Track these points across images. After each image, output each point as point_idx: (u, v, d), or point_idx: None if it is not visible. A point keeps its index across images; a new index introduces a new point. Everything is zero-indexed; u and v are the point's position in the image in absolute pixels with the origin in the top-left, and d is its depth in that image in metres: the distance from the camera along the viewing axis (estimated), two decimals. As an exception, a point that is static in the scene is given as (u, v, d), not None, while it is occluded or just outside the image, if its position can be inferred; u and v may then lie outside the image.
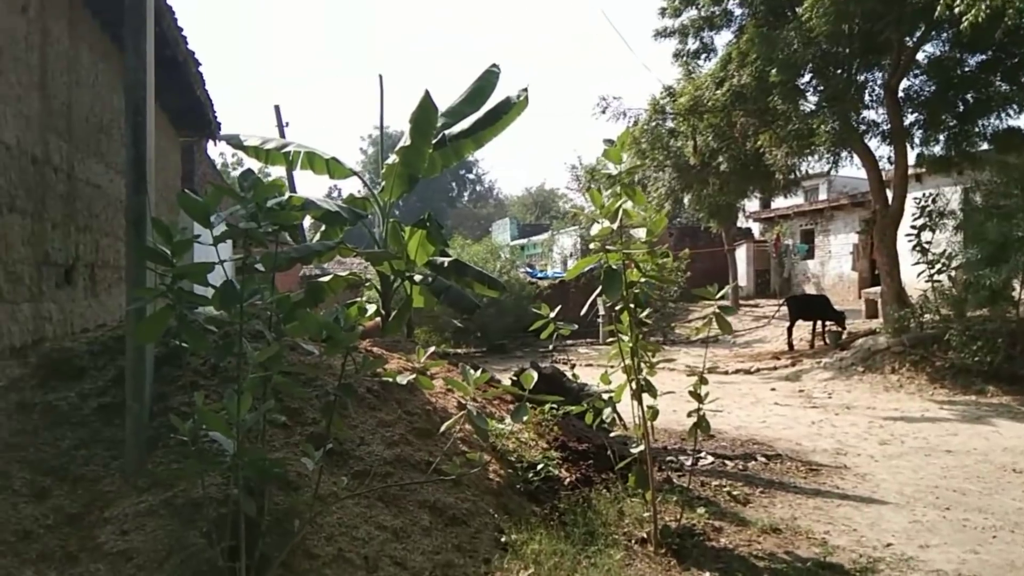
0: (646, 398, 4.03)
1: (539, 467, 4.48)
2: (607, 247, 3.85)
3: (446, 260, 7.63)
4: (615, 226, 3.83)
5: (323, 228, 8.32)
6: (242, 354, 2.86)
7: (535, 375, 3.48)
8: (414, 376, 3.44)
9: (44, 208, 5.91)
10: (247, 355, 2.88)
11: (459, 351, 17.00)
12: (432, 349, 3.68)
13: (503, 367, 13.98)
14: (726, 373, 13.81)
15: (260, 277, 2.98)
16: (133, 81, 3.36)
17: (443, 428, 3.56)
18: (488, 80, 8.17)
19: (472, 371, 3.42)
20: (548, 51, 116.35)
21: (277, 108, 20.50)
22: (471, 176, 71.70)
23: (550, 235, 35.01)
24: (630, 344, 3.87)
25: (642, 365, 4.08)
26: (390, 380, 4.00)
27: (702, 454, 6.59)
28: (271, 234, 3.29)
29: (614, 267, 3.82)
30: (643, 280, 3.94)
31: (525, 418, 3.43)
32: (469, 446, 4.26)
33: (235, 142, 8.02)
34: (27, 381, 3.63)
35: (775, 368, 14.20)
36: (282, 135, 20.63)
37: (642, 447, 4.06)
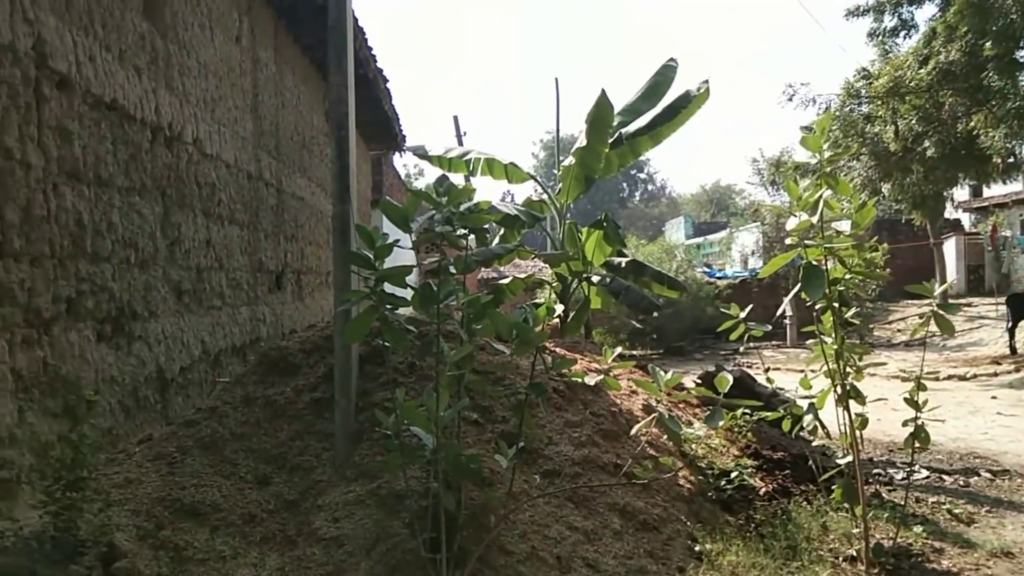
0: (854, 405, 3.71)
1: (732, 475, 4.27)
2: (806, 242, 3.59)
3: (624, 260, 7.51)
4: (815, 219, 3.55)
5: (501, 232, 8.51)
6: (440, 352, 2.95)
7: (730, 378, 3.31)
8: (601, 377, 3.39)
9: (258, 220, 6.51)
10: (444, 354, 2.97)
11: (634, 353, 16.73)
12: (618, 350, 3.62)
13: (681, 370, 13.54)
14: (937, 379, 12.53)
15: (454, 280, 3.07)
16: (336, 98, 3.58)
17: (634, 430, 3.48)
18: (665, 75, 7.96)
19: (662, 372, 3.31)
20: (728, 47, 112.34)
21: (455, 118, 21.38)
22: (642, 175, 70.70)
23: (728, 233, 33.65)
24: (834, 346, 3.58)
25: (848, 369, 3.76)
26: (576, 380, 3.99)
27: (916, 467, 6.00)
28: (463, 237, 3.39)
29: (815, 263, 3.54)
30: (848, 276, 3.63)
31: (721, 423, 3.27)
32: (657, 450, 4.15)
33: (421, 153, 8.40)
34: (249, 377, 3.99)
35: (995, 374, 12.70)
36: (460, 144, 21.45)
37: (849, 457, 3.74)
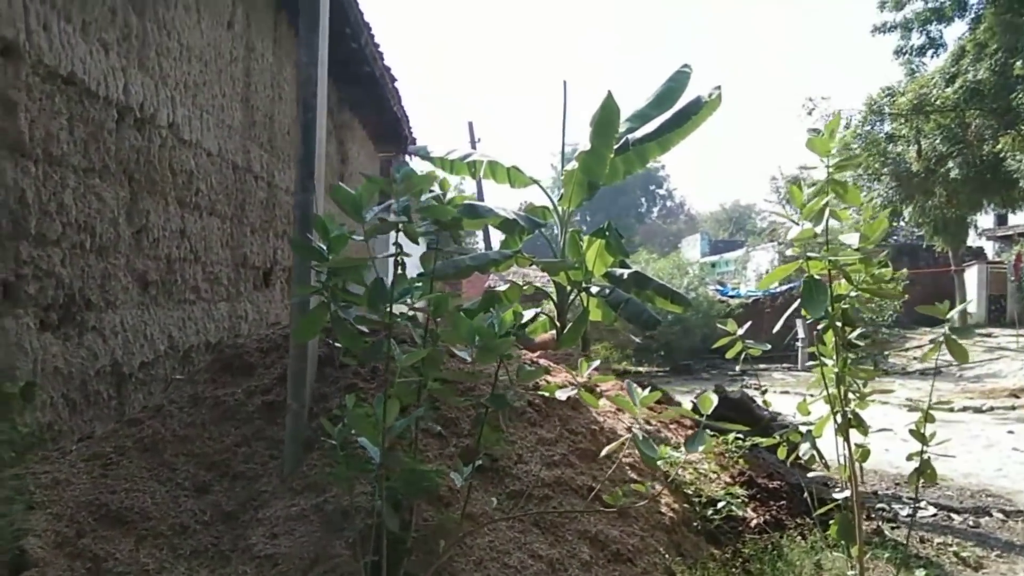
0: (854, 435, 3.37)
1: (720, 504, 3.94)
2: (809, 254, 3.27)
3: (626, 272, 7.20)
4: (819, 228, 3.24)
5: (503, 238, 8.22)
6: (390, 357, 2.67)
7: (715, 399, 2.99)
8: (575, 392, 3.09)
9: (243, 213, 6.27)
10: (395, 358, 2.69)
11: (640, 369, 16.36)
12: (596, 363, 3.32)
13: (687, 389, 13.20)
14: (951, 410, 12.07)
15: (424, 280, 2.81)
16: (304, 77, 3.33)
17: (604, 452, 3.17)
18: (678, 81, 7.67)
19: (639, 388, 3.00)
20: (750, 61, 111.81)
21: (470, 124, 21.22)
22: (661, 191, 70.33)
23: (744, 252, 33.16)
24: (835, 370, 3.25)
25: (850, 395, 3.43)
26: (551, 395, 3.69)
27: (922, 504, 5.63)
28: (433, 232, 3.12)
29: (817, 277, 3.23)
30: (854, 294, 3.31)
31: (701, 448, 2.95)
32: (639, 473, 3.83)
33: (422, 153, 8.15)
34: (201, 375, 3.73)
35: (1013, 408, 12.20)
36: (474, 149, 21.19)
37: (847, 492, 3.40)
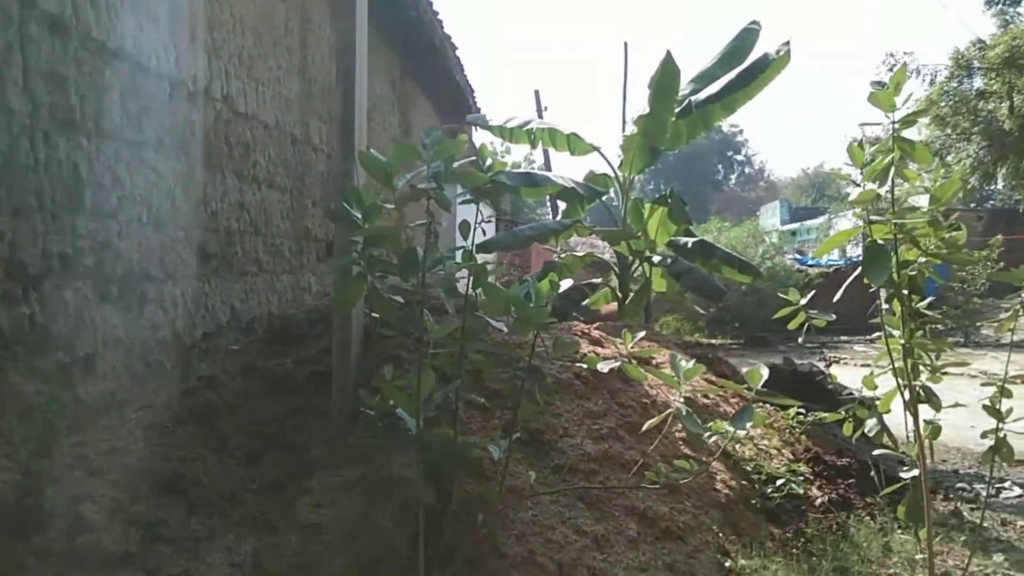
0: (925, 410, 3.15)
1: (781, 482, 3.78)
2: (872, 218, 3.04)
3: (690, 240, 6.97)
4: (883, 190, 3.00)
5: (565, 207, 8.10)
6: (423, 328, 2.62)
7: (765, 373, 2.83)
8: (617, 364, 2.98)
9: (304, 186, 6.33)
10: (429, 329, 2.64)
11: (713, 342, 15.98)
12: (642, 334, 3.19)
13: (759, 362, 12.83)
14: (1040, 384, 11.31)
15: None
16: (343, 46, 3.28)
17: (645, 427, 3.05)
18: (746, 39, 7.30)
19: (683, 360, 2.86)
20: (837, 17, 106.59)
21: (536, 93, 20.93)
22: (739, 157, 68.14)
23: (827, 219, 31.86)
24: (901, 341, 3.03)
25: (921, 368, 3.20)
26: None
27: (1006, 484, 5.28)
28: (474, 199, 3.04)
29: (881, 242, 3.00)
30: (923, 260, 3.06)
31: (750, 424, 2.79)
32: (692, 448, 3.70)
33: (480, 122, 8.07)
34: (254, 346, 3.78)
35: (1117, 382, 11.36)
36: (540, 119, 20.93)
37: (916, 471, 3.19)
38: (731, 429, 3.87)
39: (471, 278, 2.80)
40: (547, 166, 18.68)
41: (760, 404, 4.73)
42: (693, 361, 3.26)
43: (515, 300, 2.67)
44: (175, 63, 4.17)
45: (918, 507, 3.23)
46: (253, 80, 5.20)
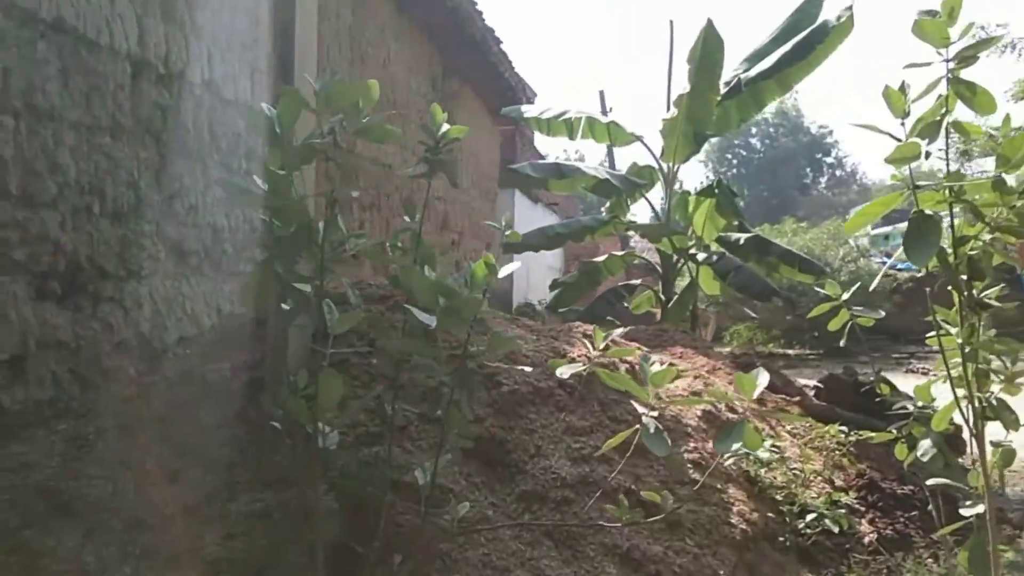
0: (992, 429, 2.43)
1: (813, 515, 3.08)
2: (920, 183, 2.35)
3: (742, 236, 6.24)
4: (935, 147, 2.32)
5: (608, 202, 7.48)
6: (322, 319, 2.13)
7: (759, 382, 2.18)
8: (584, 370, 2.39)
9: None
10: (329, 322, 2.15)
11: (789, 352, 14.89)
12: (618, 332, 2.58)
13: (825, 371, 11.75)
14: None
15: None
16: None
17: (603, 448, 2.45)
18: (807, 12, 6.52)
19: (650, 363, 2.25)
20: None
21: (601, 93, 20.24)
22: (829, 159, 65.06)
23: (922, 221, 29.72)
24: (958, 340, 2.32)
25: (991, 376, 2.47)
26: (595, 375, 2.99)
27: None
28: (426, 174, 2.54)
29: (930, 214, 2.30)
30: (989, 237, 2.35)
31: (736, 446, 2.14)
32: (704, 472, 3.05)
33: (514, 114, 7.57)
34: (198, 348, 3.38)
35: None
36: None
37: (981, 507, 2.46)
38: (760, 452, 3.22)
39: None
40: (611, 163, 17.96)
41: (805, 421, 4.02)
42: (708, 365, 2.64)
43: (442, 288, 2.14)
44: (137, 41, 3.84)
45: (983, 553, 2.49)
46: (246, 65, 4.86)
